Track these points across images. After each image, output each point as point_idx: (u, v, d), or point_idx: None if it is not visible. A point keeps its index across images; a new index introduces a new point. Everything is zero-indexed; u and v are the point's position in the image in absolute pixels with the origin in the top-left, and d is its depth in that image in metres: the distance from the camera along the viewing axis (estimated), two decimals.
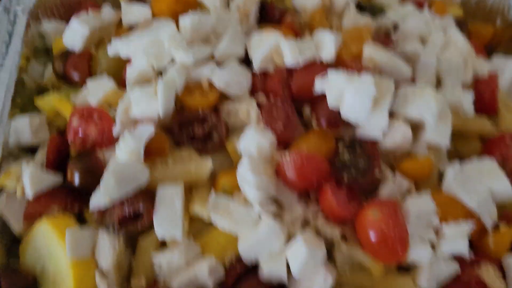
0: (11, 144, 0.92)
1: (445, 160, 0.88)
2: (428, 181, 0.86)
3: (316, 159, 0.79)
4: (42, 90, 1.02)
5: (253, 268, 0.80)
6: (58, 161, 0.88)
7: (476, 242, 0.85)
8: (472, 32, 1.13)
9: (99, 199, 0.75)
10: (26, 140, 0.93)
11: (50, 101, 0.95)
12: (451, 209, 0.81)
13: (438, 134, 0.84)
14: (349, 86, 0.80)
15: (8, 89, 0.96)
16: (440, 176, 0.87)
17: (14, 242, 0.86)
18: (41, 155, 0.92)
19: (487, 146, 0.92)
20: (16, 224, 0.84)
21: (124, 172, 0.76)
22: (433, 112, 0.82)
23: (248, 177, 0.78)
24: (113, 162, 0.76)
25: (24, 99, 1.00)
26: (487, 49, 1.13)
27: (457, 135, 0.95)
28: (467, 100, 0.90)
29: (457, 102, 0.90)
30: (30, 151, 0.96)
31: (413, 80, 0.92)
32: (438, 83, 0.97)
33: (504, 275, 0.82)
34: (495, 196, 0.83)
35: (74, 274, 0.75)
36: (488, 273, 0.80)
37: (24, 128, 0.92)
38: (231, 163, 0.85)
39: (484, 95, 0.95)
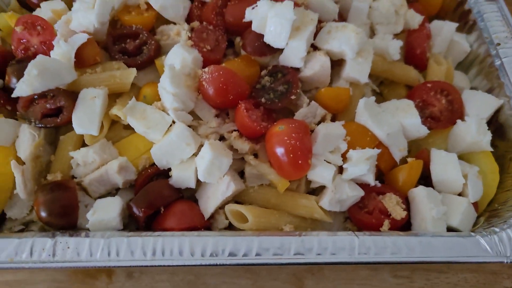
0: None
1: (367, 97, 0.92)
2: (347, 114, 0.90)
3: (235, 76, 0.83)
4: None
5: (165, 173, 0.84)
6: (1, 69, 0.93)
7: (386, 175, 0.88)
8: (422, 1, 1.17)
9: (21, 88, 0.79)
10: None
11: (3, 18, 1.01)
12: (361, 138, 0.85)
13: (357, 69, 0.88)
14: (271, 11, 0.84)
15: None
16: None
17: None
18: None
19: (410, 92, 0.95)
20: None
21: (49, 67, 0.80)
22: (352, 46, 0.86)
23: (167, 86, 0.82)
24: (39, 56, 0.81)
25: None
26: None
27: (385, 83, 0.99)
28: (393, 46, 0.94)
29: (384, 48, 0.94)
30: None
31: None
32: (373, 34, 1.01)
33: (408, 207, 0.84)
34: (405, 131, 0.87)
35: None
36: (391, 201, 0.83)
37: None
38: (158, 79, 0.90)
39: (415, 48, 0.99)
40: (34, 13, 1.01)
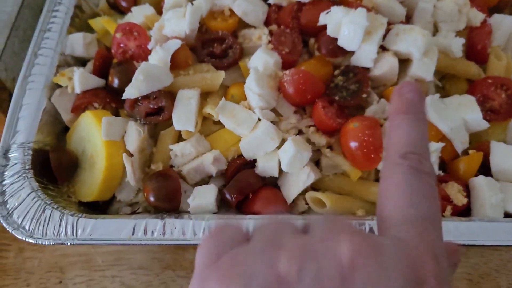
0: (66, 54, 1.12)
1: (431, 94, 1.00)
2: None
3: (312, 77, 0.94)
4: (95, 15, 1.22)
5: (251, 163, 0.96)
6: (103, 69, 1.07)
7: (449, 165, 0.97)
8: None
9: (130, 91, 0.92)
10: (79, 53, 1.12)
11: (100, 22, 1.14)
12: None
13: (423, 68, 0.96)
14: (346, 17, 0.93)
15: (68, 10, 1.15)
16: None
17: (63, 130, 1.06)
18: (89, 66, 1.11)
19: (471, 87, 1.03)
20: (65, 115, 1.04)
21: (152, 72, 0.93)
22: (419, 47, 0.94)
23: (253, 87, 0.93)
24: (144, 63, 0.94)
25: (81, 21, 1.19)
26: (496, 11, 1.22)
27: (447, 77, 1.07)
28: (456, 44, 1.01)
29: (447, 45, 1.01)
30: (81, 64, 1.16)
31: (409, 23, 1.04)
32: (436, 31, 1.08)
33: (468, 195, 0.94)
34: (467, 125, 0.95)
35: (106, 151, 0.94)
36: (452, 189, 0.92)
37: (78, 42, 1.12)
38: (242, 79, 1.01)
39: (476, 44, 1.06)
40: (126, 17, 1.13)
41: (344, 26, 0.94)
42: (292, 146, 0.89)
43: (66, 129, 1.07)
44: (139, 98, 0.95)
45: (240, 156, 0.96)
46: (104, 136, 0.93)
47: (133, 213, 0.97)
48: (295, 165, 0.90)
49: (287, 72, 0.94)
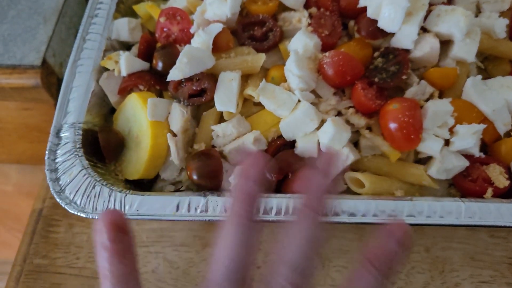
0: (112, 39, 1.16)
1: (473, 75, 0.99)
2: (453, 91, 0.98)
3: (352, 59, 0.94)
4: (139, 1, 1.26)
5: (291, 144, 0.98)
6: (147, 53, 1.11)
7: (490, 147, 0.97)
8: None
9: (174, 73, 0.96)
10: (124, 37, 1.16)
11: (144, 8, 1.18)
12: (468, 114, 0.93)
13: (465, 50, 0.95)
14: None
15: None
16: None
17: (110, 112, 1.11)
18: (134, 50, 1.15)
19: None
20: (112, 97, 1.08)
21: (195, 55, 0.96)
22: (461, 28, 0.94)
23: (293, 69, 0.95)
24: (187, 46, 0.97)
25: (125, 7, 1.24)
26: None
27: (489, 59, 1.05)
28: (500, 24, 0.99)
29: (490, 26, 1.00)
30: (126, 48, 1.20)
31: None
32: (479, 12, 1.07)
33: (510, 177, 0.93)
34: (510, 107, 0.94)
35: (152, 131, 0.98)
36: (494, 171, 0.92)
37: (123, 27, 1.16)
38: (282, 61, 1.03)
39: None
40: (169, 3, 1.17)
41: (385, 8, 0.94)
42: (331, 126, 0.90)
43: (113, 110, 1.11)
44: (183, 80, 0.98)
45: (280, 136, 0.98)
46: (149, 117, 0.97)
47: (177, 191, 1.01)
48: (335, 146, 0.92)
49: (326, 54, 0.95)
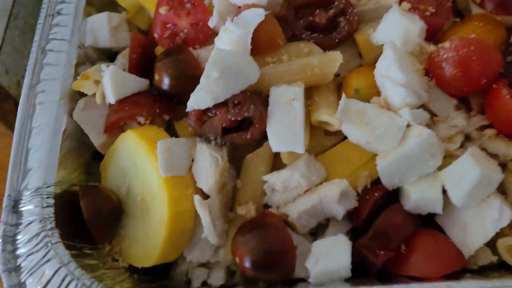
0: (87, 45, 0.77)
1: None
2: None
3: (490, 50, 0.58)
4: None
5: (392, 194, 0.61)
6: (143, 64, 0.72)
7: None
8: None
9: (199, 97, 0.58)
10: (104, 42, 0.79)
11: None
12: None
13: None
14: None
15: None
16: None
17: (93, 158, 0.73)
18: (121, 60, 0.77)
19: None
20: (95, 136, 0.70)
21: (230, 64, 0.58)
22: None
23: (393, 73, 0.58)
24: (217, 51, 0.58)
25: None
26: None
27: None
28: None
29: None
30: (108, 57, 0.81)
31: None
32: None
33: None
34: None
35: (168, 194, 0.60)
36: None
37: (102, 26, 0.78)
38: (357, 60, 0.66)
39: None
40: None
41: None
42: (474, 166, 0.54)
43: (96, 156, 0.73)
44: (210, 107, 0.60)
45: (376, 184, 0.61)
46: (162, 171, 0.60)
47: (229, 286, 0.63)
48: (477, 196, 0.56)
49: (445, 44, 0.59)
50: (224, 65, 0.57)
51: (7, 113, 1.08)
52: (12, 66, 1.10)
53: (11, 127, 1.08)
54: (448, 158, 0.59)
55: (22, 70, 1.14)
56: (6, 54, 1.09)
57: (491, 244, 0.58)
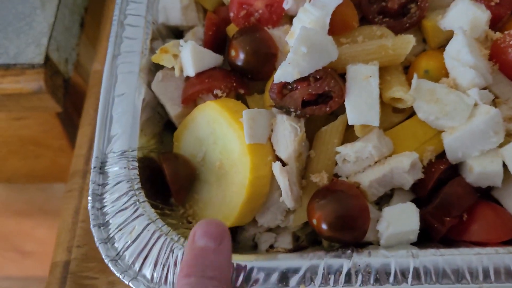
0: (160, 22, 0.82)
1: None
2: None
3: None
4: None
5: (454, 168, 0.67)
6: (217, 42, 0.77)
7: None
8: None
9: (286, 70, 0.63)
10: (175, 20, 0.82)
11: None
12: None
13: None
14: None
15: None
16: None
17: (164, 128, 0.78)
18: (190, 37, 0.81)
19: None
20: (172, 107, 0.75)
21: (315, 41, 0.63)
22: None
23: (463, 56, 0.63)
24: (304, 28, 0.63)
25: None
26: None
27: None
28: None
29: None
30: (176, 36, 0.86)
31: None
32: None
33: None
34: None
35: (251, 160, 0.65)
36: None
37: (174, 5, 0.82)
38: (422, 45, 0.72)
39: None
40: None
41: None
42: None
43: (166, 126, 0.78)
44: (291, 81, 0.65)
45: (440, 158, 0.66)
46: (247, 139, 0.64)
47: (297, 249, 0.68)
48: None
49: (511, 32, 0.64)
50: (311, 42, 0.62)
51: (57, 88, 1.13)
52: (62, 44, 1.14)
53: (60, 103, 1.13)
54: (508, 137, 0.65)
55: (70, 49, 1.18)
56: (57, 32, 1.13)
57: None
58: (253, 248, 0.73)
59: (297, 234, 0.72)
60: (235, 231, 0.74)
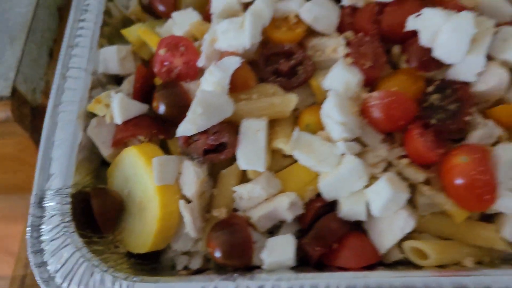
0: (100, 72, 0.95)
1: None
2: None
3: (404, 98, 0.77)
4: (127, 21, 1.04)
5: (331, 205, 0.80)
6: (144, 91, 0.91)
7: None
8: None
9: (186, 127, 0.76)
10: (113, 70, 0.96)
11: (136, 32, 0.97)
12: None
13: None
14: (447, 24, 0.75)
15: (97, 19, 0.98)
16: None
17: (100, 165, 0.91)
18: (126, 85, 0.94)
19: None
20: (104, 149, 0.88)
21: (211, 102, 0.76)
22: None
23: (334, 114, 0.76)
24: (201, 92, 0.77)
25: (111, 29, 1.02)
26: None
27: None
28: None
29: None
30: (116, 81, 0.99)
31: None
32: None
33: None
34: None
35: (160, 199, 0.78)
36: None
37: (111, 57, 0.95)
38: (311, 99, 0.85)
39: None
40: (166, 25, 0.96)
41: (445, 35, 0.76)
42: (387, 187, 0.73)
43: (104, 163, 0.92)
44: (190, 135, 0.79)
45: (318, 197, 0.80)
46: (157, 181, 0.78)
47: (198, 271, 0.82)
48: (390, 209, 0.75)
49: (374, 94, 0.77)
50: (206, 103, 0.76)
51: (25, 116, 1.26)
52: (29, 75, 1.27)
53: (27, 130, 1.27)
54: (373, 179, 0.78)
55: (37, 79, 1.31)
56: (25, 65, 1.26)
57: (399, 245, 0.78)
58: (172, 267, 0.86)
59: (208, 257, 0.86)
60: (158, 253, 0.87)
